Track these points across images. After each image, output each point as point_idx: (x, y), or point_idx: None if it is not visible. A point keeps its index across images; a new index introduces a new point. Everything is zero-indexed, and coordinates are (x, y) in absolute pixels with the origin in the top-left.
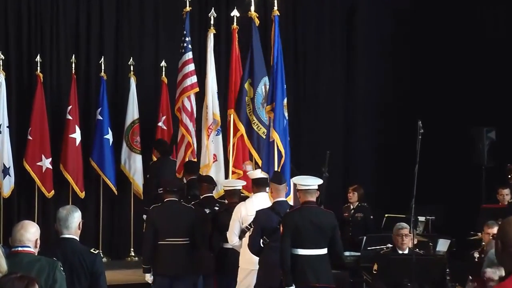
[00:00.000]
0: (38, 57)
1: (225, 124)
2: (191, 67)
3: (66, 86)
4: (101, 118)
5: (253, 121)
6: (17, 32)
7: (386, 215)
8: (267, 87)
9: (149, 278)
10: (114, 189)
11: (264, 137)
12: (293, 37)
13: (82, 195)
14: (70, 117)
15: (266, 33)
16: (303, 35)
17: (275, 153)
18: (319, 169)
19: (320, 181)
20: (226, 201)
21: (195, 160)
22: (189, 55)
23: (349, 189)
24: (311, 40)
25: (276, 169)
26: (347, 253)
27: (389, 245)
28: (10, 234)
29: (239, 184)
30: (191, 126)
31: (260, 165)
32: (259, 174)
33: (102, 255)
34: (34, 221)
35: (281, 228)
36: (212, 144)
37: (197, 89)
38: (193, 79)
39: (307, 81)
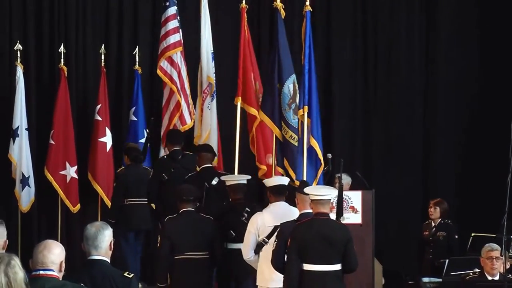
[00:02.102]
0: (62, 47)
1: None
2: (175, 23)
3: (95, 81)
4: (136, 119)
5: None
6: (37, 18)
7: (472, 234)
8: (296, 86)
9: None
10: None
11: (293, 141)
12: (361, 30)
13: None
14: (99, 118)
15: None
16: (374, 27)
17: (304, 160)
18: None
19: (335, 191)
20: (230, 199)
21: (188, 127)
22: (172, 10)
23: (430, 204)
24: (383, 34)
25: (314, 178)
26: (426, 279)
27: (476, 270)
28: (29, 255)
29: (243, 179)
30: (179, 84)
31: (291, 173)
32: (276, 181)
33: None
34: (57, 239)
35: (289, 241)
36: (209, 111)
37: (180, 48)
38: (177, 36)
39: (378, 82)
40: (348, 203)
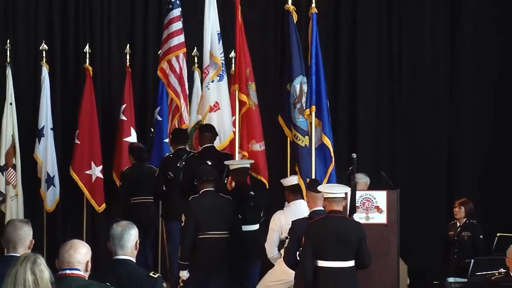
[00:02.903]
0: (87, 47)
1: None
2: (179, 25)
3: (119, 81)
4: (160, 119)
5: None
6: (63, 18)
7: (498, 234)
8: (303, 86)
9: (185, 275)
10: None
11: (297, 141)
12: (386, 31)
13: None
14: (124, 118)
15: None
16: (399, 27)
17: (313, 159)
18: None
19: (348, 189)
20: (233, 183)
21: (186, 126)
22: (176, 12)
23: (455, 203)
24: (408, 34)
25: (324, 176)
26: (451, 279)
27: (502, 270)
28: (54, 254)
29: (247, 163)
30: (179, 89)
31: (297, 171)
32: (294, 180)
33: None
34: (82, 239)
35: (303, 238)
36: (208, 91)
37: (184, 50)
38: (180, 38)
39: (403, 81)
40: (373, 203)
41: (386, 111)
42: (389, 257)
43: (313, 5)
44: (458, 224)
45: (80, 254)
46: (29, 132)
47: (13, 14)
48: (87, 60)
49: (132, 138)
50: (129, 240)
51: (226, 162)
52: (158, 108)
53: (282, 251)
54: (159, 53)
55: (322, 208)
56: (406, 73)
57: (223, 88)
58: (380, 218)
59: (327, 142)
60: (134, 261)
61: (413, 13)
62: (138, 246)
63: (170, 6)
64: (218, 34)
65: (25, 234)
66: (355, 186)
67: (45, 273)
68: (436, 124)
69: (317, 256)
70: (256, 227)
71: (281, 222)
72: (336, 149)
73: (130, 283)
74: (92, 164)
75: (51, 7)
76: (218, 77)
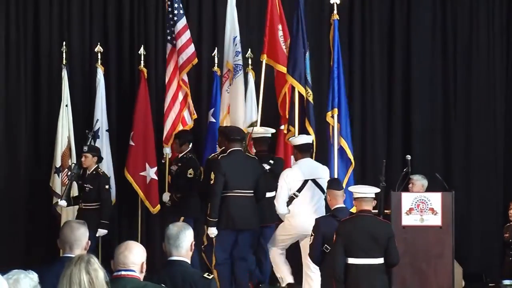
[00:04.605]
0: (142, 49)
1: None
2: (187, 35)
3: None
4: (214, 121)
5: None
6: (118, 21)
7: None
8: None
9: (214, 232)
10: None
11: (310, 98)
12: (441, 28)
13: None
14: None
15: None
16: (453, 24)
17: (336, 160)
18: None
19: (377, 190)
20: (254, 150)
21: (189, 125)
22: (182, 22)
23: (510, 205)
24: (463, 31)
25: (346, 177)
26: (507, 282)
27: None
28: (108, 254)
29: (268, 132)
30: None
31: (310, 131)
32: (302, 139)
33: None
34: (137, 240)
35: (335, 236)
36: (227, 95)
37: (196, 60)
38: (192, 47)
39: (458, 80)
40: (427, 204)
41: (441, 112)
42: (444, 260)
43: (335, 11)
44: None
45: (135, 255)
46: (84, 134)
47: (69, 16)
48: (142, 62)
49: None
50: (184, 241)
51: (248, 129)
52: (212, 110)
53: (291, 206)
54: (213, 54)
55: (344, 205)
56: (461, 72)
57: (232, 92)
58: (435, 220)
59: (344, 145)
60: (189, 262)
61: (468, 9)
62: (193, 247)
63: (175, 18)
64: (234, 38)
65: (82, 235)
66: (384, 188)
67: (100, 272)
68: (492, 124)
69: (348, 254)
70: (272, 194)
71: (289, 179)
72: (390, 150)
73: (184, 285)
74: (147, 165)
75: (106, 9)
76: (230, 82)
